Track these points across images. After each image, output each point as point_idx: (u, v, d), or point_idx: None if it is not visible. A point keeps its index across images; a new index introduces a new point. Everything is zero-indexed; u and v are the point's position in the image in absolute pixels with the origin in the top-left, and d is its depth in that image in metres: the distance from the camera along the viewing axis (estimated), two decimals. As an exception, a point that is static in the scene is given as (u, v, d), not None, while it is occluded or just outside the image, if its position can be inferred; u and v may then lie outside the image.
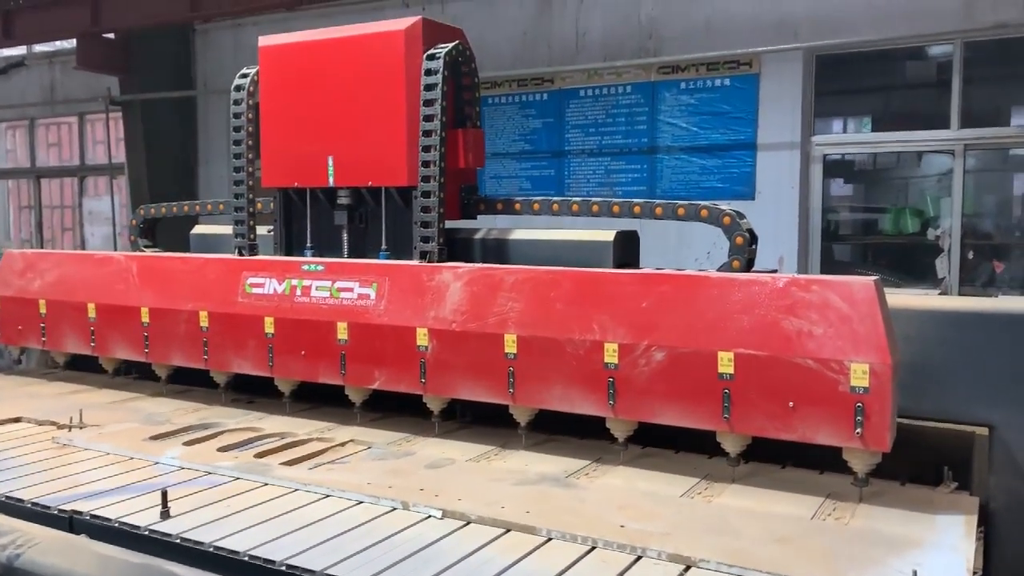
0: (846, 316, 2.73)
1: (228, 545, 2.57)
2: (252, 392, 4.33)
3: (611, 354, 3.10)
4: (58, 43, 11.46)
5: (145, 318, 4.27)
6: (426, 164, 3.66)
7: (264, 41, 4.12)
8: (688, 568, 2.40)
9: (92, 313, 4.47)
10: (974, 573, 2.32)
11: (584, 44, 8.43)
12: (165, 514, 2.79)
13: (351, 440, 3.64)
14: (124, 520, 2.78)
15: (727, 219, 3.36)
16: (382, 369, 3.65)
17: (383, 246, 3.89)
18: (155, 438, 3.71)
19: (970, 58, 7.06)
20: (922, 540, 2.53)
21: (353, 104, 3.85)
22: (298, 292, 3.86)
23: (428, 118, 3.65)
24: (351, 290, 3.73)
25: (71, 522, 2.87)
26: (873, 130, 7.91)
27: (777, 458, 3.21)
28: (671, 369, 2.99)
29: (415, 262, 3.68)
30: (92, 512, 2.86)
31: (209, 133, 10.70)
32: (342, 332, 3.71)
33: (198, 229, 4.83)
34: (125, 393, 4.57)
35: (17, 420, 4.05)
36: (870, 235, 8.06)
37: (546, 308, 3.28)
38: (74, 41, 10.03)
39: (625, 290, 3.14)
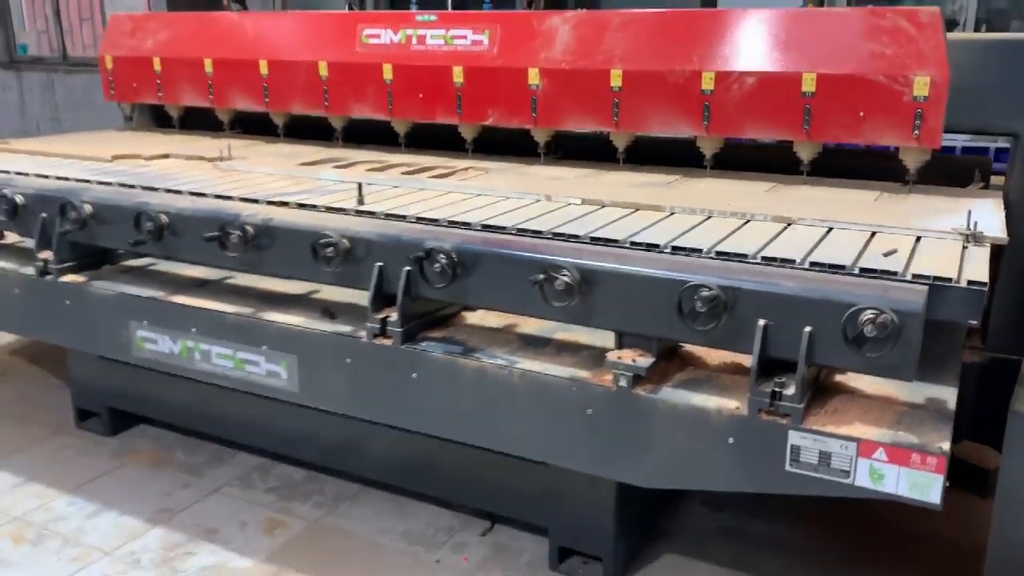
0: (913, 37, 3.36)
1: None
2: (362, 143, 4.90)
3: (708, 81, 3.71)
4: None
5: (264, 70, 4.77)
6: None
7: None
8: (789, 224, 3.13)
9: (208, 68, 4.95)
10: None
11: None
12: (360, 201, 3.42)
13: (470, 167, 4.28)
14: (332, 205, 3.38)
15: (804, -32, 3.92)
16: (495, 108, 4.23)
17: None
18: (304, 164, 4.30)
19: None
20: (965, 209, 3.27)
21: None
22: (414, 41, 4.38)
23: None
24: (465, 37, 4.26)
25: (284, 211, 3.41)
26: None
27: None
28: (760, 91, 3.62)
29: (523, 10, 4.20)
30: (298, 202, 3.46)
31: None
32: (458, 76, 4.25)
33: (296, -7, 5.24)
34: (247, 140, 5.12)
35: (166, 156, 4.59)
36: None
37: (649, 45, 3.86)
38: None
39: (721, 24, 3.73)
